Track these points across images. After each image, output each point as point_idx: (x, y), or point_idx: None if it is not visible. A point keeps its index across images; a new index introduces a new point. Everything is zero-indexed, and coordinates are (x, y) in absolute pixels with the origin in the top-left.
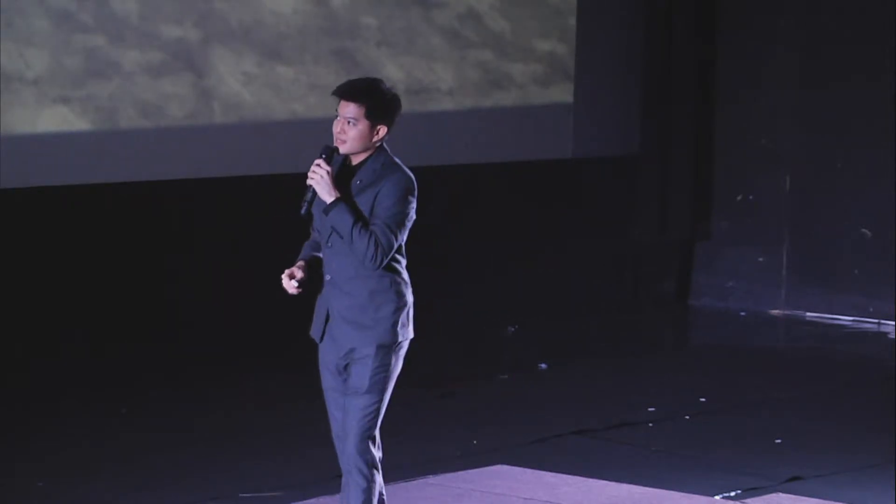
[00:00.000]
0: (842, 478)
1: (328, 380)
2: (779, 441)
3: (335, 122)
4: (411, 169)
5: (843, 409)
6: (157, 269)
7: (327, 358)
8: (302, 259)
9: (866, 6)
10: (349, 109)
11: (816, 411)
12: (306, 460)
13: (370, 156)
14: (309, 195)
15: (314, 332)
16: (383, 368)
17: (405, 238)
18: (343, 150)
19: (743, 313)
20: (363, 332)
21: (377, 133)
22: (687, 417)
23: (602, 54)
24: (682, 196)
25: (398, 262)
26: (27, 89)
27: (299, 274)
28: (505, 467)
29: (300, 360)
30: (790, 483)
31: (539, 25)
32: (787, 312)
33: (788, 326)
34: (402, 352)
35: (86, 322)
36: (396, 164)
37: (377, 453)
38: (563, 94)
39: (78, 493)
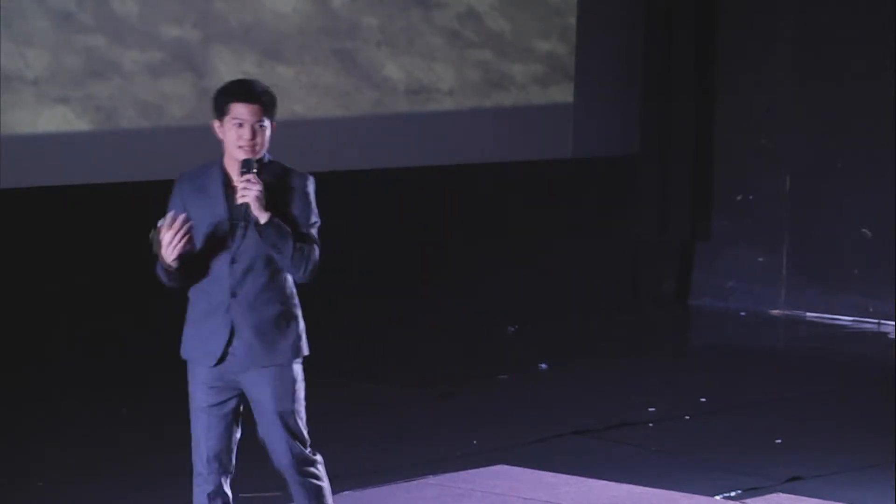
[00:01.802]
0: (842, 478)
1: (205, 398)
2: (779, 441)
3: (241, 129)
4: (414, 169)
5: (843, 409)
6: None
7: (212, 375)
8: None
9: (866, 6)
10: (257, 112)
11: (816, 411)
12: None
13: (262, 161)
14: (244, 213)
15: (200, 355)
16: (297, 380)
17: None
18: (258, 156)
19: (743, 313)
20: (277, 347)
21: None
22: (687, 417)
23: (602, 54)
24: (682, 196)
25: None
26: (27, 89)
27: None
28: (505, 467)
29: (311, 358)
30: (790, 483)
31: (539, 25)
32: (786, 312)
33: (788, 326)
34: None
35: (85, 322)
36: (286, 167)
37: (316, 456)
38: (563, 94)
39: (78, 492)
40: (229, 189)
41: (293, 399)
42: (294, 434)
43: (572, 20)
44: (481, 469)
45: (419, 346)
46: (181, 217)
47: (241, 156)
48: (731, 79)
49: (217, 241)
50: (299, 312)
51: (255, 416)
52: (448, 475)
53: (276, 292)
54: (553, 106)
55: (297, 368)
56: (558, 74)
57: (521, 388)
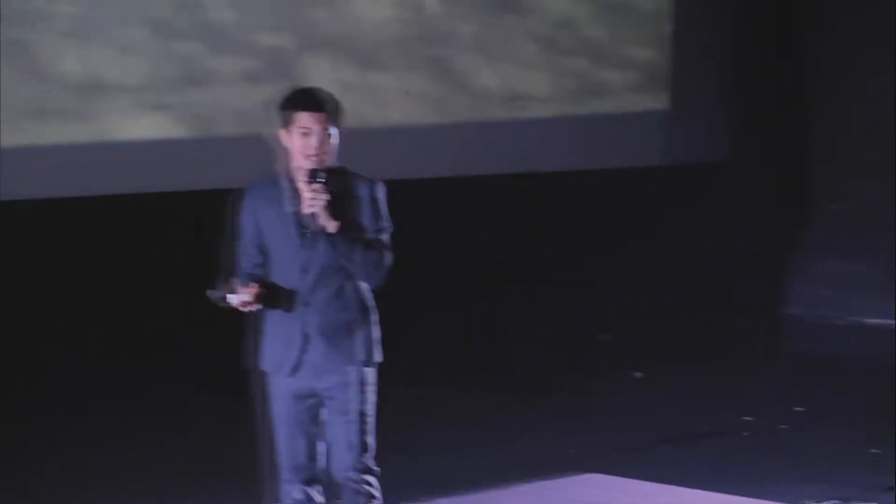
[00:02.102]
0: None
1: (286, 408)
2: (876, 451)
3: (305, 139)
4: (508, 176)
5: None
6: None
7: (291, 386)
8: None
9: None
10: (322, 119)
11: None
12: (397, 466)
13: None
14: (311, 223)
15: (276, 364)
16: (368, 389)
17: None
18: (325, 164)
19: (838, 322)
20: (349, 352)
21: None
22: (782, 426)
23: (697, 61)
24: (778, 203)
25: None
26: (125, 97)
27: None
28: (597, 475)
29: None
30: (887, 493)
31: (634, 33)
32: (882, 321)
33: (884, 336)
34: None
35: (169, 325)
36: (354, 172)
37: (376, 468)
38: (657, 101)
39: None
40: (297, 198)
41: (361, 404)
42: (358, 440)
43: (668, 27)
44: (573, 477)
45: (512, 353)
46: (254, 289)
47: (308, 165)
48: (828, 84)
49: (288, 251)
50: (374, 318)
51: (325, 418)
52: (540, 483)
53: (348, 299)
54: (647, 113)
55: (370, 374)
56: (653, 82)
57: (614, 396)
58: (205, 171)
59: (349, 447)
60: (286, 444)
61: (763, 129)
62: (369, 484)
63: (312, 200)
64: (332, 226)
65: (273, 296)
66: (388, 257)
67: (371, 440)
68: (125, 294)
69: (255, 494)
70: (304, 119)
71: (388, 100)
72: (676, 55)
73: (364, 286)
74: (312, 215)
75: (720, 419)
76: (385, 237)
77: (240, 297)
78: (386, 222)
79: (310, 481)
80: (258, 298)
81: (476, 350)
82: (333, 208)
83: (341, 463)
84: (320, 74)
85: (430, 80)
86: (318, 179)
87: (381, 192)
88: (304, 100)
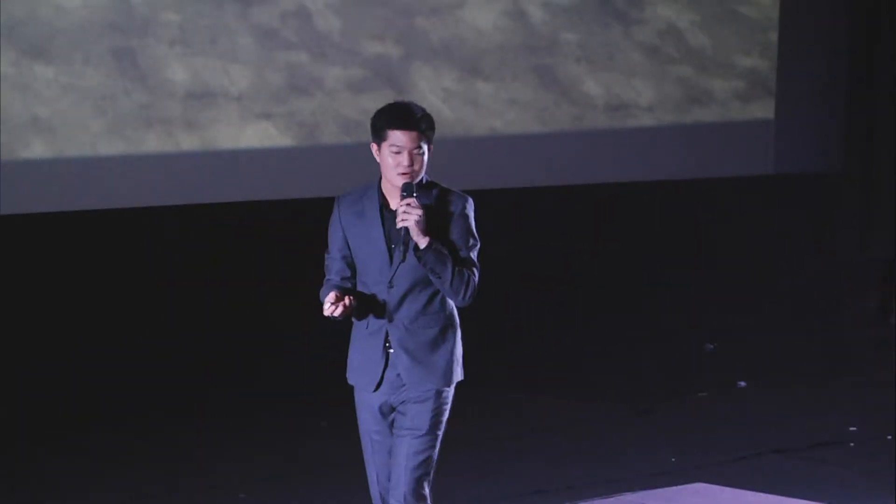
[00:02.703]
0: None
1: (371, 422)
2: None
3: (397, 157)
4: (613, 185)
5: None
6: None
7: (375, 401)
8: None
9: None
10: (415, 138)
11: None
12: (505, 474)
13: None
14: (404, 238)
15: (361, 380)
16: (443, 409)
17: None
18: (416, 180)
19: None
20: (431, 371)
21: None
22: (889, 437)
23: (804, 69)
24: (887, 213)
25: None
26: (231, 105)
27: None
28: (704, 485)
29: (513, 374)
30: None
31: (740, 41)
32: None
33: None
34: (453, 392)
35: (279, 328)
36: (447, 188)
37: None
38: (763, 110)
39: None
40: (386, 212)
41: (432, 421)
42: (422, 459)
43: (774, 35)
44: (680, 487)
45: (617, 362)
46: (348, 300)
47: (400, 182)
48: None
49: (375, 266)
50: (457, 337)
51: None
52: (647, 492)
53: (434, 317)
54: (753, 122)
55: (448, 394)
56: (759, 90)
57: (720, 406)
58: (309, 179)
59: (408, 467)
60: (372, 458)
61: (872, 138)
62: None
63: (405, 214)
64: (423, 241)
65: (361, 309)
66: (476, 275)
67: (434, 456)
68: (233, 298)
69: None
70: (396, 137)
71: (491, 108)
72: (782, 63)
73: (450, 304)
74: (405, 230)
75: (826, 429)
76: (474, 255)
77: (328, 308)
78: (474, 240)
79: (399, 500)
80: (346, 310)
81: (582, 361)
82: (425, 224)
83: (398, 482)
84: (425, 83)
85: (535, 89)
86: (411, 194)
87: (470, 209)
88: (399, 117)
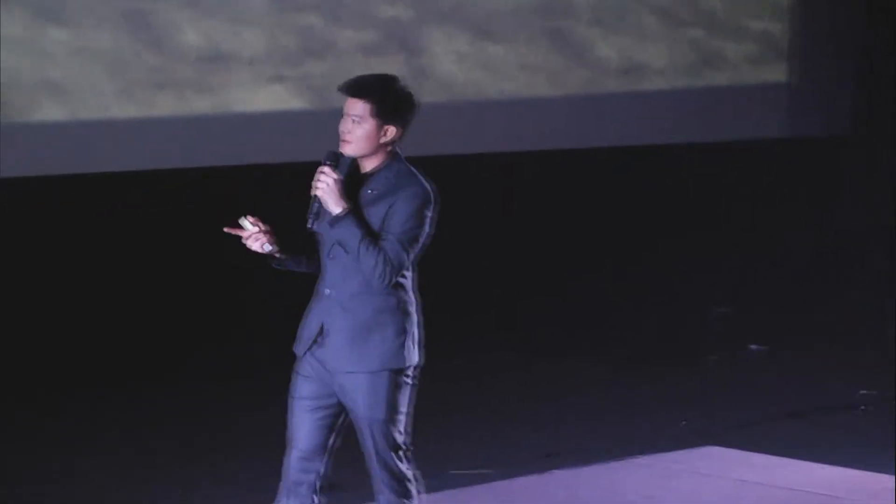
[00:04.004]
0: None
1: (303, 388)
2: None
3: (341, 122)
4: (624, 148)
5: None
6: None
7: (309, 370)
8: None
9: None
10: (356, 107)
11: None
12: (515, 437)
13: (383, 163)
14: (315, 206)
15: (299, 348)
16: (394, 392)
17: (416, 255)
18: (347, 151)
19: None
20: (366, 354)
21: (385, 134)
22: None
23: (817, 32)
24: (893, 180)
25: (406, 279)
26: (243, 68)
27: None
28: (715, 448)
29: (522, 337)
30: None
31: (752, 3)
32: None
33: None
34: (410, 378)
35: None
36: (413, 173)
37: (410, 471)
38: (776, 73)
39: None
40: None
41: (385, 409)
42: (386, 446)
43: None
44: (691, 450)
45: (629, 326)
46: (254, 223)
47: (341, 149)
48: None
49: (322, 236)
50: (405, 319)
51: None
52: (657, 455)
53: (376, 295)
54: (766, 85)
55: (395, 378)
56: (772, 53)
57: (730, 370)
58: (323, 142)
59: (374, 454)
60: (293, 426)
61: (884, 103)
62: (400, 493)
63: (318, 182)
64: (336, 209)
65: (299, 259)
66: (395, 259)
67: (399, 441)
68: (247, 260)
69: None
70: (346, 102)
71: (504, 71)
72: (796, 26)
73: (405, 284)
74: (317, 198)
75: (837, 393)
76: (404, 239)
77: (248, 227)
78: (412, 224)
79: (314, 476)
80: (267, 235)
81: (593, 323)
82: (338, 194)
83: (371, 471)
84: (437, 46)
85: (547, 52)
86: (327, 162)
87: (417, 197)
88: (348, 84)
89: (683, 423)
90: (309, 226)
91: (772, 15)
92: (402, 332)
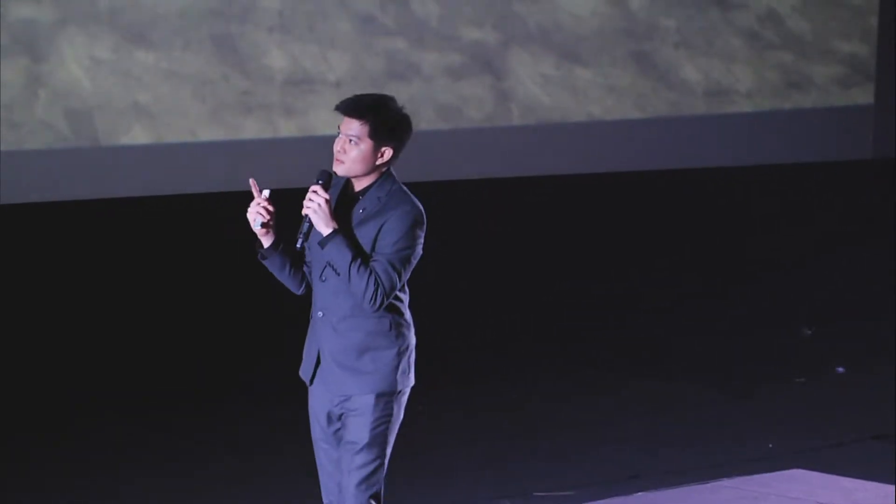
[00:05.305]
0: None
1: (317, 431)
2: None
3: (336, 141)
4: (711, 170)
5: None
6: (448, 267)
7: (317, 405)
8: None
9: None
10: (352, 127)
11: None
12: (600, 459)
13: (374, 182)
14: (305, 227)
15: (304, 373)
16: (384, 420)
17: (408, 276)
18: (341, 171)
19: None
20: (359, 378)
21: (381, 155)
22: None
23: None
24: None
25: (401, 301)
26: (329, 91)
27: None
28: (801, 471)
29: (610, 357)
30: None
31: (840, 26)
32: None
33: None
34: (404, 401)
35: None
36: (404, 193)
37: None
38: (863, 95)
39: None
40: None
41: (371, 437)
42: (362, 477)
43: (874, 20)
44: (777, 473)
45: (715, 346)
46: (266, 199)
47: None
48: None
49: (315, 254)
50: (400, 341)
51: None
52: (743, 478)
53: (368, 317)
54: (853, 107)
55: (385, 402)
56: (859, 75)
57: (817, 391)
58: (406, 164)
59: (353, 482)
60: (321, 467)
61: None
62: None
63: (309, 201)
64: (325, 230)
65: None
66: (386, 281)
67: (381, 469)
68: None
69: None
70: (341, 121)
71: (589, 94)
72: (882, 48)
73: (399, 307)
74: (307, 217)
75: None
76: (395, 260)
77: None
78: (404, 245)
79: None
80: (268, 216)
81: (682, 344)
82: (328, 214)
83: (346, 496)
84: (522, 69)
85: (633, 75)
86: (318, 181)
87: (409, 216)
88: (346, 103)
89: (770, 445)
90: (297, 246)
91: (858, 37)
92: (396, 355)
